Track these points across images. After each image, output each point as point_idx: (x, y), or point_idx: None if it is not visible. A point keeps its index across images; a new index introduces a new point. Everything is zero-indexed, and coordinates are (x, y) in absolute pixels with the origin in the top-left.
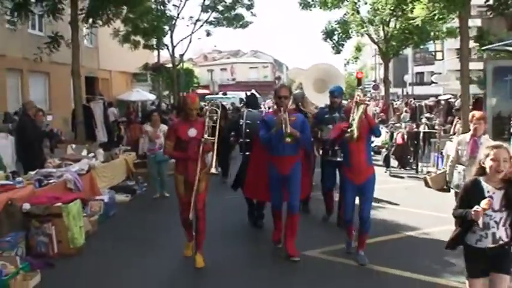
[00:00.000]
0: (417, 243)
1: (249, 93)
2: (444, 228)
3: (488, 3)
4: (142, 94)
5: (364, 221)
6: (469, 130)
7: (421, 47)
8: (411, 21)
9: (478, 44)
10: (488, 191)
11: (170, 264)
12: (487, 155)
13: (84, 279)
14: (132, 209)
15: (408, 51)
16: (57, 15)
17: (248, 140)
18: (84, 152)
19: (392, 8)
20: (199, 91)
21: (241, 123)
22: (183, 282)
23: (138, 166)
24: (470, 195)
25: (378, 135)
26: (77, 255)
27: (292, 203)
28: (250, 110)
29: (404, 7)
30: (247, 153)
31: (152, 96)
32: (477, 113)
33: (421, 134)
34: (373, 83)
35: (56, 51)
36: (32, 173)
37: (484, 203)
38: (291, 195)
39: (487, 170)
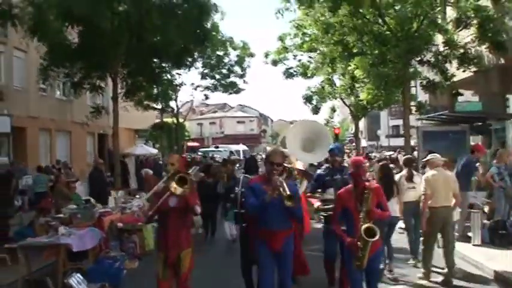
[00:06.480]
0: None
1: (243, 148)
2: None
3: (422, 83)
4: (145, 148)
5: None
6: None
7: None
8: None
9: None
10: None
11: None
12: None
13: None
14: None
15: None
16: (99, 91)
17: (244, 211)
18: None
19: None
20: (190, 144)
21: (236, 190)
22: None
23: None
24: None
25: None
26: (150, 255)
27: (284, 281)
28: (247, 176)
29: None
30: (244, 224)
31: (154, 151)
32: None
33: None
34: (351, 137)
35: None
36: (113, 205)
37: None
38: (282, 274)
39: None
